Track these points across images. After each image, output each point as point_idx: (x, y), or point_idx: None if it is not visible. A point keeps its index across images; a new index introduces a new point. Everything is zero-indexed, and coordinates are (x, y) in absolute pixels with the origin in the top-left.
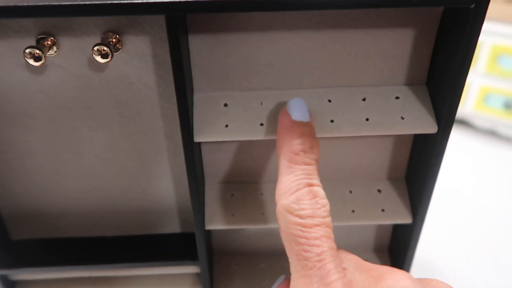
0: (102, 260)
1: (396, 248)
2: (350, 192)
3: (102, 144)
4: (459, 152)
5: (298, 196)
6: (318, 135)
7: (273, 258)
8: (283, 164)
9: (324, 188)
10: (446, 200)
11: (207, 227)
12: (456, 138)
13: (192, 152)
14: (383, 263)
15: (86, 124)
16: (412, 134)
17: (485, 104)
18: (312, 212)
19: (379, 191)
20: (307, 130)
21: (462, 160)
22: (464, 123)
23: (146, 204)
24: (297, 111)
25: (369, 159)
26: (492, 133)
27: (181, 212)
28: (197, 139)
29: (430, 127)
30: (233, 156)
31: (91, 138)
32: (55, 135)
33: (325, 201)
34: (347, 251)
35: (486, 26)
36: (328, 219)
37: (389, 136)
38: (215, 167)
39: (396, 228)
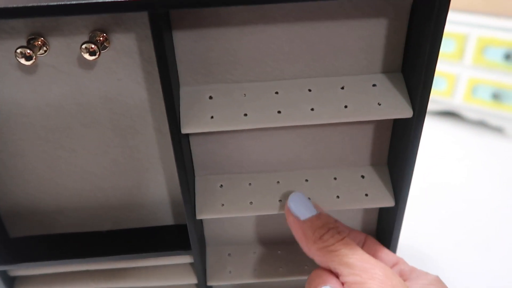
0: (98, 253)
1: (382, 231)
2: (335, 179)
3: (94, 140)
4: (450, 143)
5: None
6: (299, 123)
7: (263, 246)
8: None
9: (309, 176)
10: (438, 191)
11: (198, 217)
12: (447, 130)
13: (180, 144)
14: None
15: (78, 121)
16: (391, 121)
17: (474, 95)
18: None
19: (362, 177)
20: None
21: (453, 151)
22: (454, 115)
23: (139, 198)
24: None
25: (352, 146)
26: (482, 124)
27: (173, 204)
28: (184, 130)
29: (405, 112)
30: (221, 148)
31: (83, 135)
32: (48, 133)
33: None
34: None
35: (471, 18)
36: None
37: (369, 123)
38: (204, 159)
39: (381, 212)
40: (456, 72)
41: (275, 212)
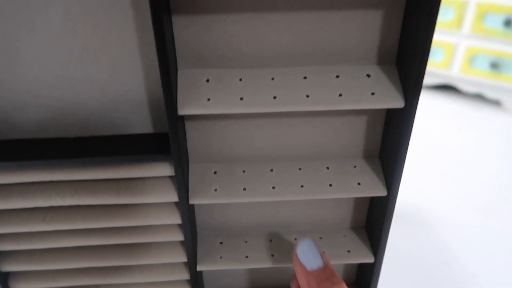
0: (64, 157)
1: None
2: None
3: (59, 19)
4: (447, 117)
5: None
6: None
7: (252, 164)
8: None
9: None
10: (437, 162)
11: (180, 112)
12: (443, 104)
13: (163, 29)
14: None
15: None
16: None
17: (472, 66)
18: None
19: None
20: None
21: (450, 125)
22: (451, 88)
23: (113, 97)
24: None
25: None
26: (479, 97)
27: (152, 106)
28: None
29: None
30: (206, 36)
31: (45, 11)
32: (5, 8)
33: None
34: None
35: None
36: None
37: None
38: (188, 49)
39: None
40: (454, 42)
41: (268, 118)
